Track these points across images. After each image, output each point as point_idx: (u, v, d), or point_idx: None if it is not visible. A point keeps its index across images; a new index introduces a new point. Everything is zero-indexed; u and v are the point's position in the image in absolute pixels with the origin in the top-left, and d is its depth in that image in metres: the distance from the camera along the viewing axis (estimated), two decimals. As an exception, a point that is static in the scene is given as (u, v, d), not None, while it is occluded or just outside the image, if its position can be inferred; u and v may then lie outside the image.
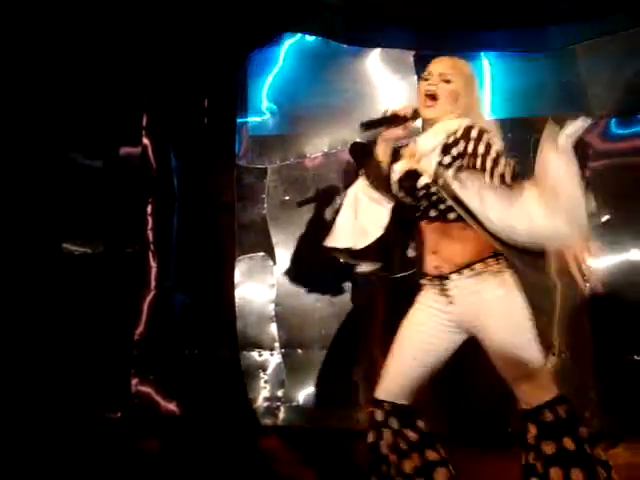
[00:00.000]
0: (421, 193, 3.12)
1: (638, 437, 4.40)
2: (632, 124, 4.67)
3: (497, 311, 3.06)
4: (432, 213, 3.11)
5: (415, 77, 4.98)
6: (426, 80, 3.16)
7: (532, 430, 3.05)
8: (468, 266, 3.08)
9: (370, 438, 3.24)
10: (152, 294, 5.00)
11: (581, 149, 4.65)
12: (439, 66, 3.16)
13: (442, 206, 3.08)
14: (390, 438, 3.19)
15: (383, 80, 5.11)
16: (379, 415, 3.21)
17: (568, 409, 3.04)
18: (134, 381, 4.87)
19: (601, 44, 4.70)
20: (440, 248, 3.11)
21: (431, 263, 3.14)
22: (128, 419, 4.77)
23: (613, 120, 4.71)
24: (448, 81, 3.12)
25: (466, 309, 3.11)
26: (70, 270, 4.72)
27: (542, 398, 3.04)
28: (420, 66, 4.95)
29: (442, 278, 3.12)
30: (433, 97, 3.12)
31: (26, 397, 4.35)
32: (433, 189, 3.07)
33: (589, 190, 2.91)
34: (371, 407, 3.25)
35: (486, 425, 4.68)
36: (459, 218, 3.05)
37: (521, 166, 4.77)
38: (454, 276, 3.10)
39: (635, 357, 4.51)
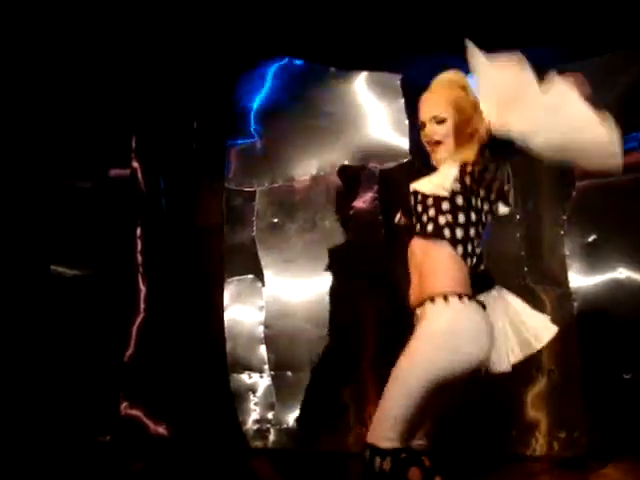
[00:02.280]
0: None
1: (627, 456, 4.41)
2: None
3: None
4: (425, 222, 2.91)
5: (402, 100, 5.02)
6: (422, 129, 3.06)
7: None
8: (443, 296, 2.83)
9: None
10: (141, 317, 4.98)
11: (567, 169, 4.76)
12: (427, 110, 3.04)
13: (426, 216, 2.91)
14: None
15: (370, 103, 5.14)
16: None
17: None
18: (123, 404, 4.85)
19: (583, 66, 4.74)
20: (421, 272, 2.91)
21: (413, 292, 2.95)
22: (118, 442, 4.75)
23: (598, 141, 4.73)
24: (443, 120, 3.00)
25: None
26: (59, 292, 4.71)
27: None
28: (407, 89, 5.01)
29: (414, 308, 2.94)
30: (437, 142, 3.03)
31: (16, 420, 4.33)
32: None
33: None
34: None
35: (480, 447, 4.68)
36: (436, 232, 2.87)
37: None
38: (429, 304, 2.85)
39: (623, 375, 4.52)
